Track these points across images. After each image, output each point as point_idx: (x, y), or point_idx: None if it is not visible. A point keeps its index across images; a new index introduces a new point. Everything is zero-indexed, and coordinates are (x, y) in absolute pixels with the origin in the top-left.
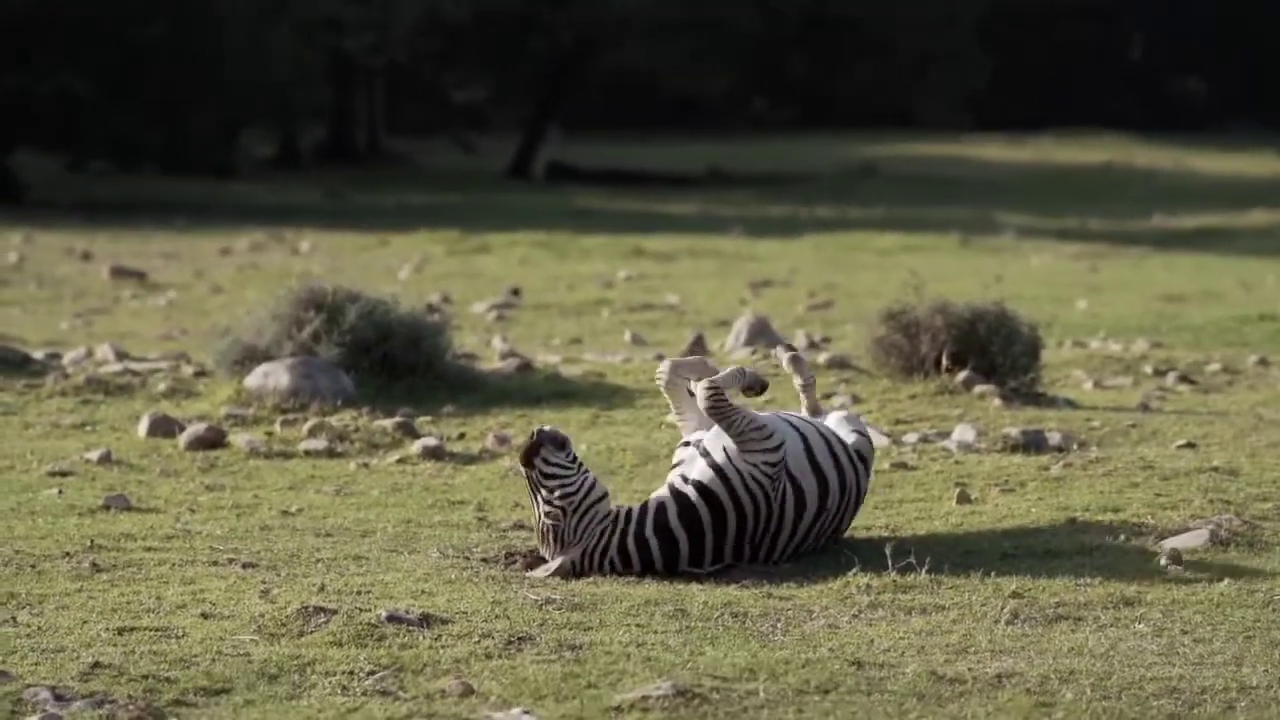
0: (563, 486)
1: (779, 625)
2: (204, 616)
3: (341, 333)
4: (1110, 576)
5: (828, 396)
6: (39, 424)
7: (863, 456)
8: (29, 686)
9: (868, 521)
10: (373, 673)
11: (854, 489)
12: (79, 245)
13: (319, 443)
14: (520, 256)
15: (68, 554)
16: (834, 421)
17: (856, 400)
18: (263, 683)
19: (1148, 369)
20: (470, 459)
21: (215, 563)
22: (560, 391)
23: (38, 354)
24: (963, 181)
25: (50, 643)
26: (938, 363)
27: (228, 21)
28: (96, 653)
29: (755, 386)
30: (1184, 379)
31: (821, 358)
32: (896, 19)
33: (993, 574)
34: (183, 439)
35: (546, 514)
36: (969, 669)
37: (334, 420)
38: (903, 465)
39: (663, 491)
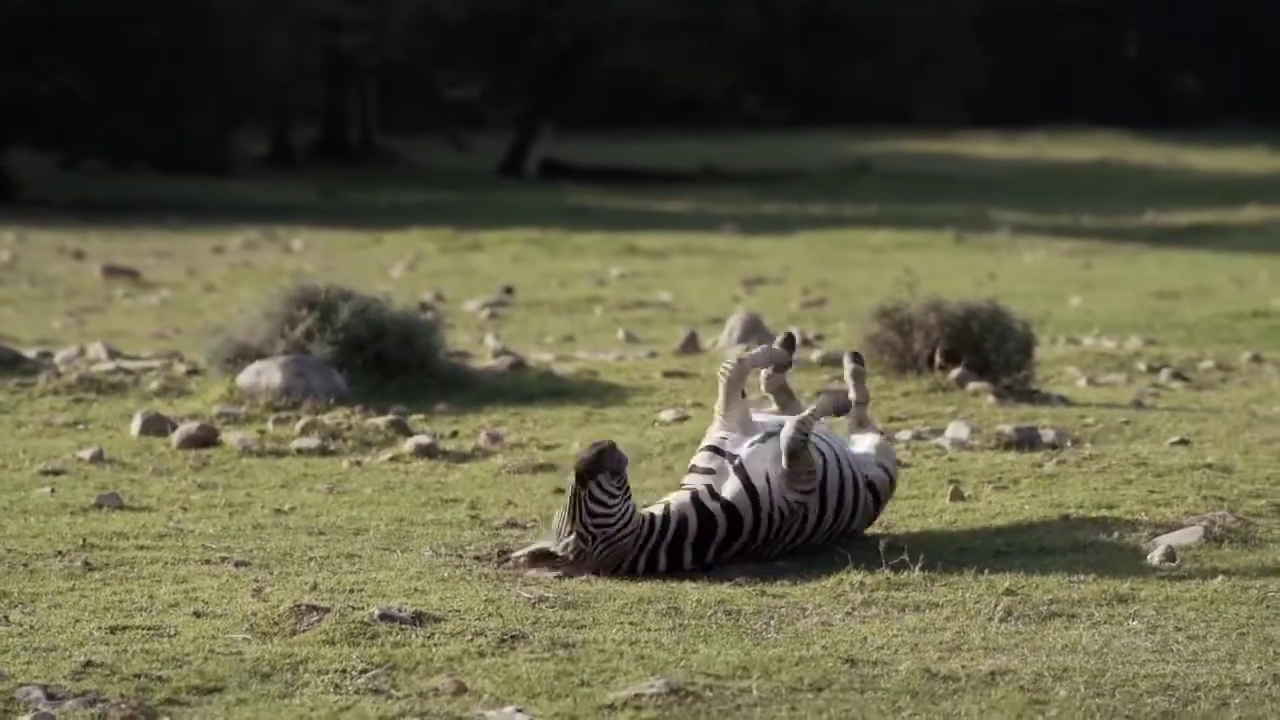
0: (603, 517)
1: (772, 623)
2: (196, 615)
3: (334, 331)
4: (1104, 573)
5: (821, 394)
6: (31, 423)
7: (875, 491)
8: (21, 685)
9: None
10: (365, 671)
11: (848, 519)
12: (72, 244)
13: (311, 441)
14: (513, 254)
15: (60, 553)
16: (865, 446)
17: None
18: (255, 681)
19: (1141, 366)
20: (463, 457)
21: (208, 561)
22: (553, 389)
23: (30, 352)
24: (957, 178)
25: (42, 641)
26: (931, 360)
27: (226, 21)
28: (89, 651)
29: (844, 412)
30: (1177, 376)
31: (815, 355)
32: (895, 18)
33: (986, 571)
34: (175, 437)
35: (578, 533)
36: (962, 666)
37: (326, 418)
38: (896, 463)
39: (684, 499)
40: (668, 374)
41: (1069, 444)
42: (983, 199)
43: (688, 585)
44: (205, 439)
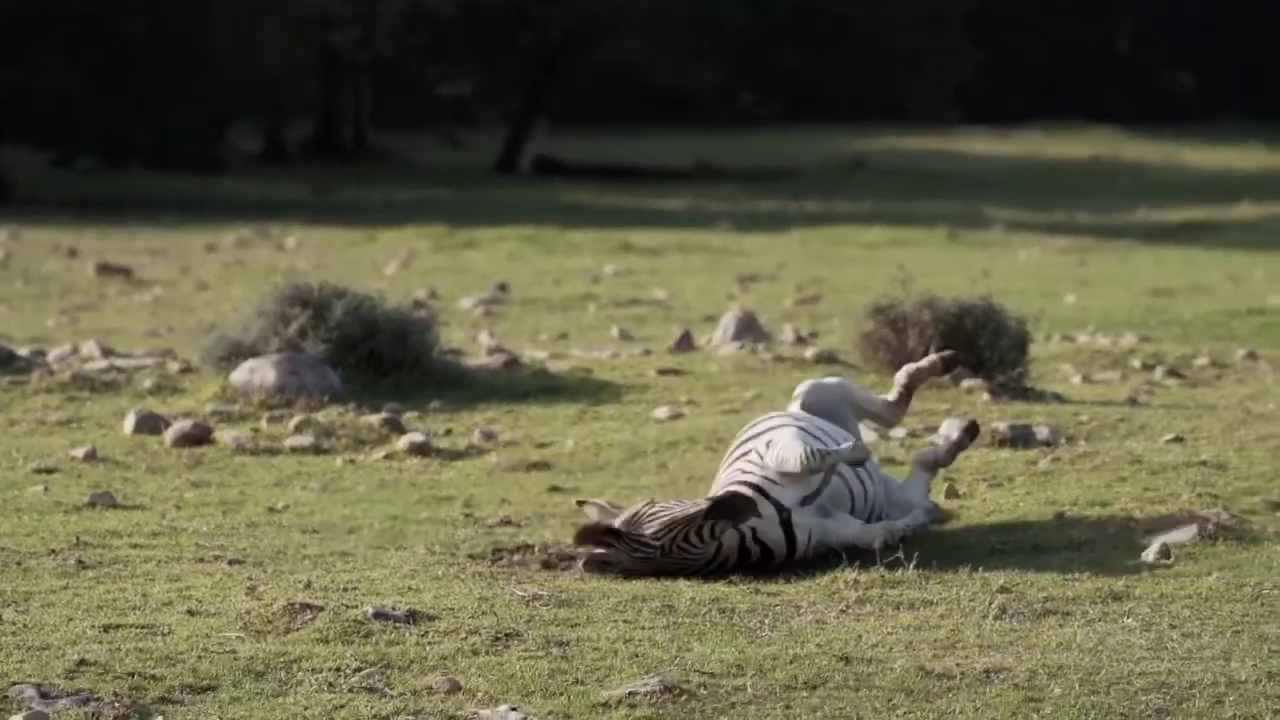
0: (695, 550)
1: (766, 621)
2: (190, 613)
3: (328, 329)
4: (1098, 571)
5: None
6: (24, 421)
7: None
8: (14, 684)
9: None
10: (359, 669)
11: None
12: (65, 242)
13: (305, 439)
14: (507, 252)
15: (53, 551)
16: (907, 486)
17: None
18: (249, 680)
19: (1136, 363)
20: (457, 455)
21: (201, 560)
22: (547, 387)
23: (23, 351)
24: (951, 175)
25: (35, 640)
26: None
27: (219, 18)
28: (82, 650)
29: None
30: (1172, 373)
31: (809, 353)
32: (886, 13)
33: (981, 569)
34: (168, 435)
35: (663, 545)
36: (957, 664)
37: (320, 416)
38: (890, 460)
39: (733, 542)
40: (662, 371)
41: (1063, 441)
42: (977, 196)
43: (682, 583)
44: (199, 437)
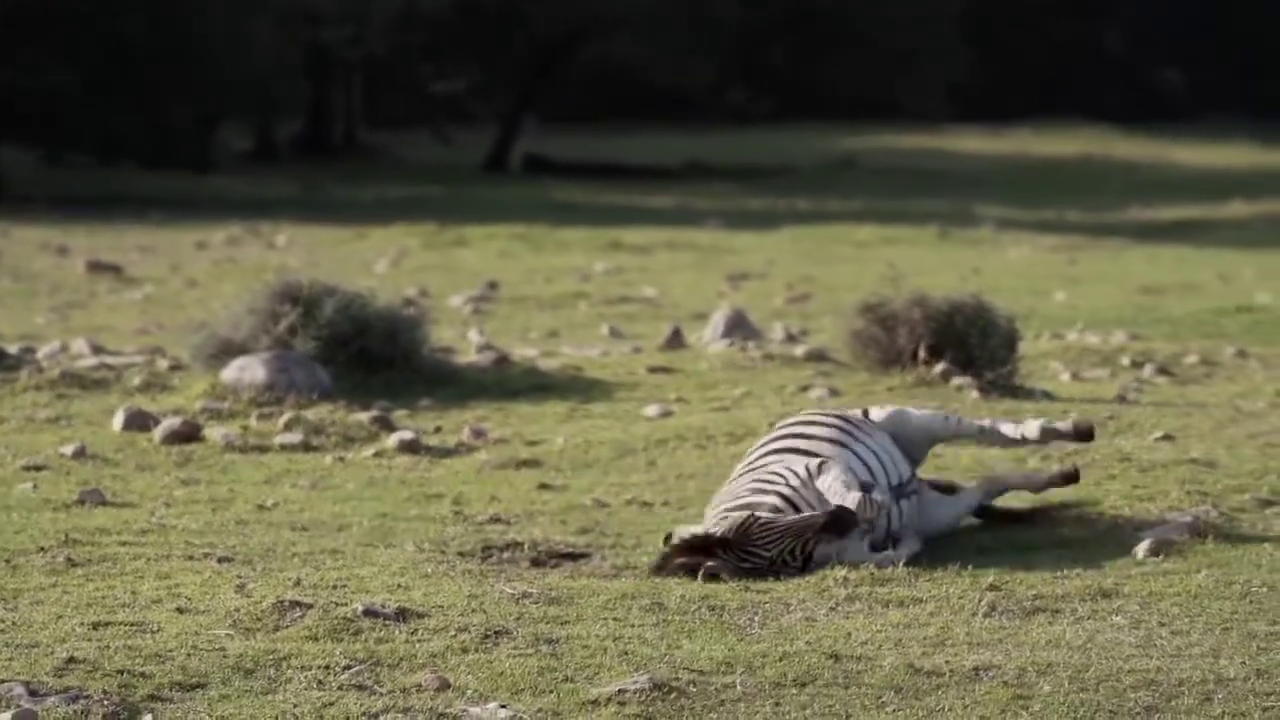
0: (793, 562)
1: (756, 618)
2: (179, 611)
3: (318, 326)
4: (1088, 569)
5: (805, 389)
6: (13, 418)
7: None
8: (3, 682)
9: None
10: (348, 667)
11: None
12: (55, 239)
13: (295, 436)
14: (498, 249)
15: (42, 549)
16: (940, 506)
17: (834, 394)
18: (238, 677)
19: (1125, 361)
20: (447, 453)
21: (191, 557)
22: (537, 385)
23: (12, 348)
24: (942, 174)
25: (24, 638)
26: (915, 355)
27: (209, 16)
28: (71, 648)
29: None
30: (1162, 371)
31: (799, 351)
32: (878, 12)
33: (970, 566)
34: (158, 433)
35: (773, 555)
36: (946, 662)
37: (310, 414)
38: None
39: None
40: (652, 369)
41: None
42: (968, 194)
43: (671, 581)
44: (188, 435)
